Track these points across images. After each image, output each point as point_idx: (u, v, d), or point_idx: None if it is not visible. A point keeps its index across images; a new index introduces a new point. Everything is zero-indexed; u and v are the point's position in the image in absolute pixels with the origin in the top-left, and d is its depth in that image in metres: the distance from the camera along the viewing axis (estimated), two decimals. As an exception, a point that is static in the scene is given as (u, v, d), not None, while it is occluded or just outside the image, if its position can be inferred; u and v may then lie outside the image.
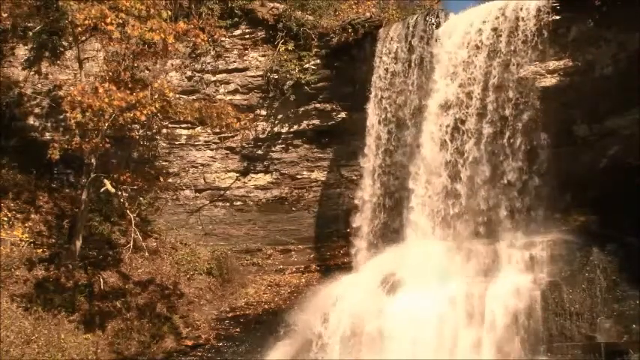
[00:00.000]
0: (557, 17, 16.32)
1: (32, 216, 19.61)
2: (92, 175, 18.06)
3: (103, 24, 16.77)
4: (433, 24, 18.35)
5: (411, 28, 18.66)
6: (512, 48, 16.74)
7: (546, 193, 16.71)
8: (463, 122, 17.37)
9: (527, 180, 16.80)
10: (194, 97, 20.58)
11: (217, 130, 20.25)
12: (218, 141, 21.35)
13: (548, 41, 16.41)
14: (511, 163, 16.87)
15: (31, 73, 20.29)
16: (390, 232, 18.71)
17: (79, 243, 18.45)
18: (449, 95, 17.57)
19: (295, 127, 21.16)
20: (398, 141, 19.01)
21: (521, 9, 16.73)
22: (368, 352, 15.64)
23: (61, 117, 20.07)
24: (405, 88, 18.79)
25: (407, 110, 18.73)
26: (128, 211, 18.60)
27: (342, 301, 16.61)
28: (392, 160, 19.06)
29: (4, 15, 19.24)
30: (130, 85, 17.37)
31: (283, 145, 21.29)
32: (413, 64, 18.61)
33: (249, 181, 21.54)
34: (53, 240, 19.25)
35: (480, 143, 17.13)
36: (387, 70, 19.11)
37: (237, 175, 21.52)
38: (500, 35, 16.90)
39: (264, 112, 21.22)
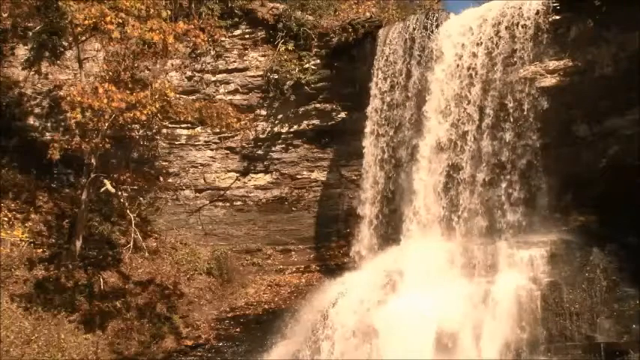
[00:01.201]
0: (557, 17, 16.32)
1: (32, 216, 19.62)
2: (92, 175, 18.07)
3: (102, 23, 16.78)
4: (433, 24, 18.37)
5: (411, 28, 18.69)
6: (512, 48, 16.73)
7: (546, 193, 16.71)
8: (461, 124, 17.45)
9: (527, 180, 16.79)
10: (194, 97, 20.57)
11: (217, 130, 20.25)
12: (218, 141, 21.35)
13: (548, 41, 16.41)
14: (511, 163, 16.86)
15: (31, 73, 20.30)
16: (390, 232, 18.69)
17: (79, 243, 18.46)
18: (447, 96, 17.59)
19: (295, 127, 21.16)
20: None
21: (520, 9, 16.72)
22: (368, 352, 15.63)
23: (61, 117, 20.11)
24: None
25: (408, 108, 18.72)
26: (128, 211, 18.61)
27: (342, 301, 16.60)
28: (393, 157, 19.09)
29: (4, 15, 19.25)
30: (130, 85, 17.38)
31: (283, 145, 21.29)
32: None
33: (249, 181, 21.54)
34: (53, 240, 19.25)
35: (479, 143, 17.14)
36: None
37: (237, 175, 21.52)
38: (500, 35, 16.88)
39: (264, 112, 21.22)
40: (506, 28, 16.93)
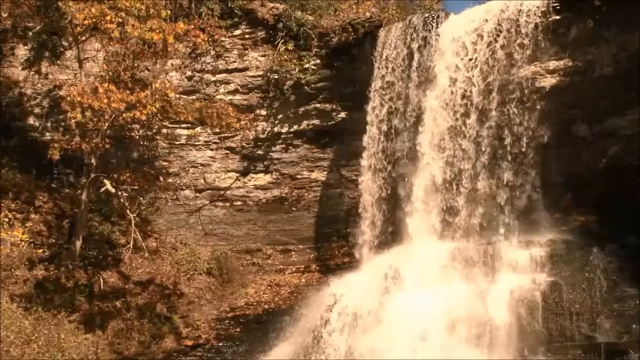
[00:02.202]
0: (557, 17, 16.32)
1: (32, 216, 19.62)
2: (92, 175, 18.07)
3: (102, 23, 16.78)
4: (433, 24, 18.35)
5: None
6: (512, 48, 16.72)
7: (546, 193, 16.70)
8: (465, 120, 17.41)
9: (527, 180, 16.79)
10: (194, 97, 20.56)
11: (217, 130, 20.23)
12: (218, 141, 21.35)
13: (548, 41, 16.41)
14: (511, 163, 16.86)
15: (31, 73, 20.32)
16: (391, 232, 18.68)
17: (79, 243, 18.47)
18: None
19: (295, 127, 21.15)
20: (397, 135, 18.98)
21: (520, 9, 16.72)
22: (368, 352, 15.62)
23: (61, 117, 20.10)
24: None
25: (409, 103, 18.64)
26: (128, 211, 18.61)
27: (342, 301, 16.60)
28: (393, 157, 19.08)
29: (4, 15, 19.28)
30: (129, 85, 17.38)
31: (283, 145, 21.29)
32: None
33: (249, 181, 21.54)
34: (53, 240, 19.25)
35: (480, 143, 17.13)
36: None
37: (237, 175, 21.52)
38: (500, 35, 16.88)
39: (264, 112, 21.22)
40: (502, 47, 16.84)
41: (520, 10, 16.71)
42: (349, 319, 16.10)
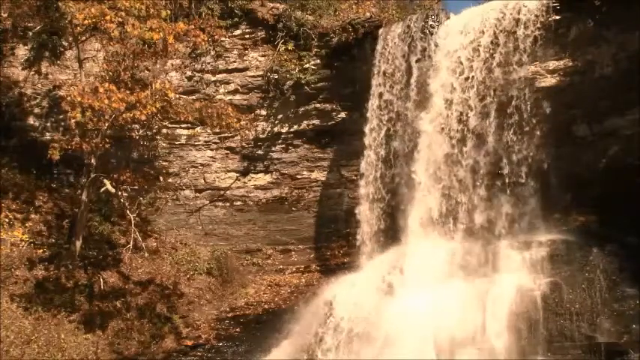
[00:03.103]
0: (557, 17, 16.32)
1: (32, 216, 19.61)
2: (92, 175, 18.07)
3: (102, 22, 16.78)
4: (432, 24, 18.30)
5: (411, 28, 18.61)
6: (512, 48, 16.71)
7: (546, 193, 16.70)
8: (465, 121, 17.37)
9: (527, 180, 16.78)
10: (194, 97, 20.56)
11: (217, 130, 20.22)
12: (218, 141, 21.35)
13: (548, 41, 16.40)
14: (511, 163, 16.86)
15: (31, 73, 20.31)
16: (391, 232, 18.68)
17: (79, 243, 18.46)
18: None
19: (295, 127, 21.15)
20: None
21: (520, 9, 16.71)
22: (368, 352, 15.62)
23: (61, 117, 20.10)
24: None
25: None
26: (128, 211, 18.61)
27: (342, 301, 16.59)
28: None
29: (4, 15, 19.28)
30: (130, 85, 17.38)
31: (283, 145, 21.29)
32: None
33: (249, 181, 21.54)
34: (53, 240, 19.25)
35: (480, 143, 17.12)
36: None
37: (237, 175, 21.52)
38: (500, 35, 16.87)
39: (264, 112, 21.22)
40: (498, 65, 16.69)
41: (518, 20, 16.56)
42: (344, 337, 16.03)
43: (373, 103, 18.89)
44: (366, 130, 19.05)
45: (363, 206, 19.12)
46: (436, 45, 17.59)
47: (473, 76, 16.86)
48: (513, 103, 16.66)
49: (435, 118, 17.29)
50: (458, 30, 17.41)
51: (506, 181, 16.76)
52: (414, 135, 17.77)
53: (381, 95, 18.85)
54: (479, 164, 16.86)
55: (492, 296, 15.08)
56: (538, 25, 16.32)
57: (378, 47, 18.92)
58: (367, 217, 19.06)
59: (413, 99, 18.01)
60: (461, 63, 17.04)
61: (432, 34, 17.88)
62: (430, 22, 18.10)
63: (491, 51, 16.84)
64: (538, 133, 16.54)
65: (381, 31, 19.22)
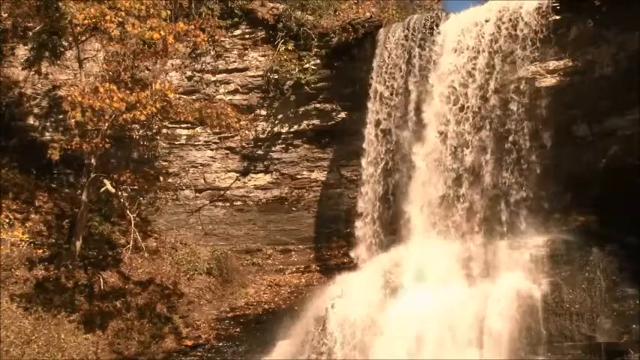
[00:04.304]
0: (557, 17, 16.31)
1: (32, 216, 19.61)
2: (92, 175, 18.07)
3: (102, 22, 16.78)
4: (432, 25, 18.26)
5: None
6: (512, 48, 16.71)
7: (546, 193, 16.69)
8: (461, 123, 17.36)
9: (527, 180, 16.78)
10: (194, 97, 20.56)
11: (217, 130, 20.23)
12: (218, 141, 21.35)
13: (548, 41, 16.40)
14: (511, 163, 16.85)
15: (31, 73, 20.29)
16: (391, 231, 18.67)
17: (79, 243, 18.46)
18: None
19: (295, 127, 21.16)
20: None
21: (520, 9, 16.70)
22: (368, 353, 15.62)
23: (61, 117, 20.12)
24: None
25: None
26: (128, 211, 18.61)
27: (342, 301, 16.59)
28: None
29: (4, 15, 19.27)
30: (129, 85, 17.37)
31: (283, 145, 21.29)
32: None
33: (249, 181, 21.54)
34: (53, 240, 19.24)
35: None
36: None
37: (237, 175, 21.52)
38: (500, 35, 16.86)
39: (264, 112, 21.22)
40: (495, 91, 16.48)
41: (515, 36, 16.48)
42: (344, 337, 15.99)
43: (370, 132, 18.75)
44: (364, 162, 18.98)
45: (358, 250, 18.90)
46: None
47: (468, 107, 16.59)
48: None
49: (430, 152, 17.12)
50: (452, 47, 17.19)
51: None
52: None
53: (378, 123, 18.70)
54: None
55: (492, 296, 15.07)
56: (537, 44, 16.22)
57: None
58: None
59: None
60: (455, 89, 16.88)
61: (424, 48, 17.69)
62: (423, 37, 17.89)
63: (486, 76, 16.69)
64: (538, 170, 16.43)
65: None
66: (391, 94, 18.53)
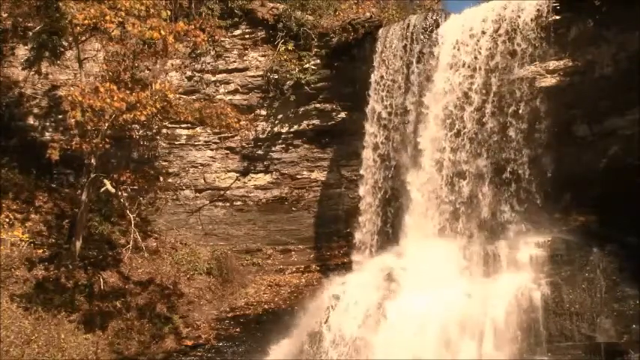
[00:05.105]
0: (557, 17, 16.31)
1: (32, 216, 19.60)
2: (92, 176, 18.06)
3: (102, 22, 16.78)
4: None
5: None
6: (512, 48, 16.70)
7: (546, 193, 16.69)
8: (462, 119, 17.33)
9: (527, 180, 16.77)
10: (194, 97, 20.57)
11: (217, 130, 20.24)
12: (218, 141, 21.35)
13: (548, 41, 16.39)
14: (511, 163, 16.84)
15: (31, 73, 20.29)
16: (391, 231, 18.67)
17: (79, 243, 18.46)
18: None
19: (295, 127, 21.16)
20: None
21: (520, 9, 16.70)
22: (368, 353, 15.61)
23: (61, 117, 20.15)
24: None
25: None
26: (128, 211, 18.61)
27: (342, 301, 16.59)
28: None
29: (4, 15, 19.27)
30: (130, 85, 17.37)
31: (283, 145, 21.29)
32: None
33: (249, 181, 21.54)
34: (53, 240, 19.24)
35: (480, 142, 17.08)
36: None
37: (237, 175, 21.52)
38: (500, 35, 16.85)
39: (264, 112, 21.22)
40: (492, 114, 16.41)
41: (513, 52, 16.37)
42: (344, 337, 15.93)
43: (368, 159, 18.65)
44: (361, 191, 18.91)
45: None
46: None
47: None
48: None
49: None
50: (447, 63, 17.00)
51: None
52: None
53: (376, 147, 18.62)
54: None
55: (493, 296, 15.07)
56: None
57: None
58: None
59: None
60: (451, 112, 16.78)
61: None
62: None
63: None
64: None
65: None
66: (389, 115, 18.49)
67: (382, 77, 18.48)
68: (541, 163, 16.52)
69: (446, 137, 16.77)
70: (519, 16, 16.38)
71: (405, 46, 18.02)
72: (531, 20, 16.17)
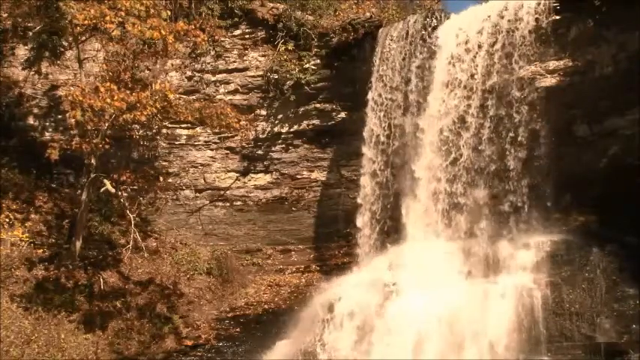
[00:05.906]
0: (557, 17, 16.31)
1: (32, 216, 19.61)
2: (92, 176, 18.07)
3: (102, 22, 16.79)
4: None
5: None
6: (512, 48, 16.70)
7: (546, 193, 16.70)
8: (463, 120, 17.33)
9: (527, 180, 16.77)
10: (194, 97, 20.58)
11: (217, 130, 20.24)
12: (218, 141, 21.35)
13: (548, 41, 16.39)
14: (511, 163, 16.84)
15: (31, 73, 20.29)
16: (391, 231, 18.67)
17: (79, 243, 18.47)
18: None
19: (295, 127, 21.16)
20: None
21: (520, 9, 16.70)
22: (368, 353, 15.62)
23: (61, 117, 20.18)
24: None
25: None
26: (128, 211, 18.61)
27: (342, 302, 16.59)
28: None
29: (4, 15, 19.27)
30: (130, 85, 17.38)
31: (283, 145, 21.29)
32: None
33: (249, 181, 21.54)
34: (53, 240, 19.25)
35: (480, 142, 17.08)
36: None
37: (237, 175, 21.52)
38: (500, 35, 16.85)
39: (264, 112, 21.22)
40: (489, 139, 16.50)
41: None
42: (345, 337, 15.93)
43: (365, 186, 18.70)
44: (359, 222, 18.87)
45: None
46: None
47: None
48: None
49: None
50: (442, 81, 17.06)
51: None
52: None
53: (374, 175, 18.65)
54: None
55: (493, 296, 15.07)
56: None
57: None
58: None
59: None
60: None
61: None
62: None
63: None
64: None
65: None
66: (388, 138, 18.47)
67: (380, 95, 18.57)
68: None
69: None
70: (517, 28, 16.34)
71: (404, 58, 18.12)
72: (529, 32, 16.16)
